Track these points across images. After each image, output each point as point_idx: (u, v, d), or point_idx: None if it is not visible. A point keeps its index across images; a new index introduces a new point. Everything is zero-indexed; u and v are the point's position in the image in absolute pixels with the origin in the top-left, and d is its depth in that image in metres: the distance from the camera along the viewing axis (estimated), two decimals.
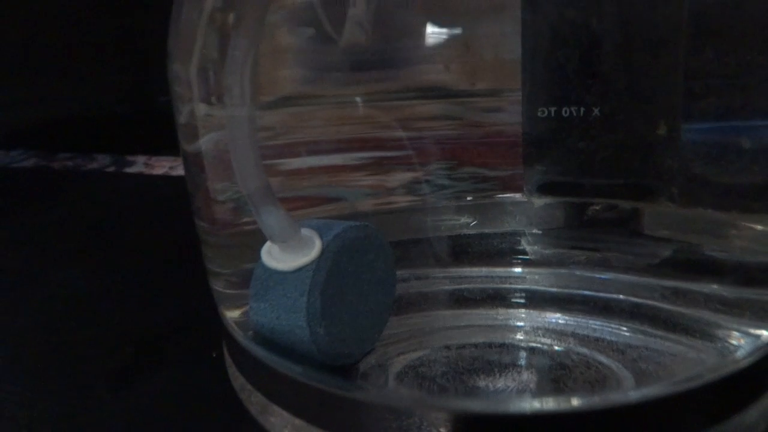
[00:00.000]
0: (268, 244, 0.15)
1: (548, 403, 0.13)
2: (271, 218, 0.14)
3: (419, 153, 0.18)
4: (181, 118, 0.17)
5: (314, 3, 0.16)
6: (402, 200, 0.18)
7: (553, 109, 0.16)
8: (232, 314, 0.17)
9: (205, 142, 0.17)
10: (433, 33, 0.16)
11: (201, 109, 0.17)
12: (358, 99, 0.17)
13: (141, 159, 0.45)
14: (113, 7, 0.45)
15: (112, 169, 0.44)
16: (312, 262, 0.14)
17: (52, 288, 0.27)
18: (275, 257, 0.14)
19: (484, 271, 0.19)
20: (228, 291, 0.18)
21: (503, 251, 0.19)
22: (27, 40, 0.49)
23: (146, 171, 0.43)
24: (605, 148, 0.17)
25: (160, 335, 0.22)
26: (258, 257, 0.15)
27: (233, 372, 0.17)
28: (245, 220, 0.18)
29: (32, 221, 0.35)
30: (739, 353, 0.15)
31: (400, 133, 0.17)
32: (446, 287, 0.18)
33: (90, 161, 0.47)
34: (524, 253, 0.19)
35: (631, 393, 0.13)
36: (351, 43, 0.16)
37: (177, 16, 0.16)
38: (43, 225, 0.35)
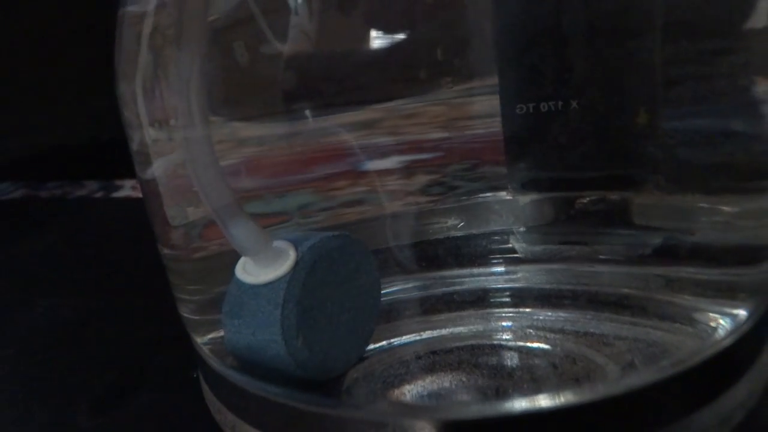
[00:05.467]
0: (242, 259, 0.14)
1: (532, 403, 0.12)
2: (241, 232, 0.13)
3: (447, 154, 0.18)
4: (133, 145, 0.17)
5: (255, 13, 0.15)
6: (405, 203, 0.18)
7: (531, 105, 0.16)
8: (201, 339, 0.17)
9: (156, 168, 0.17)
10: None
11: (150, 133, 0.16)
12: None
13: (129, 183, 0.45)
14: (93, 34, 0.45)
15: (100, 194, 0.44)
16: (286, 274, 0.13)
17: (36, 316, 0.26)
18: (249, 272, 0.14)
19: (474, 271, 0.18)
20: (195, 317, 0.18)
21: (492, 251, 0.18)
22: (9, 71, 0.49)
23: (134, 194, 0.43)
24: (587, 140, 0.17)
25: (145, 358, 0.22)
26: (221, 282, 0.14)
27: (208, 394, 0.17)
28: (202, 245, 0.18)
29: (19, 251, 0.35)
30: (720, 334, 0.14)
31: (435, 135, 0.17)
32: (434, 291, 0.18)
33: (78, 188, 0.46)
34: (513, 251, 0.18)
35: (616, 383, 0.13)
36: (295, 52, 0.16)
37: (119, 36, 0.16)
38: (30, 254, 0.34)
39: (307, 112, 0.17)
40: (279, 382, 0.14)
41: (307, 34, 0.15)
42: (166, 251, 0.18)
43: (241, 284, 0.14)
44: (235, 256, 0.14)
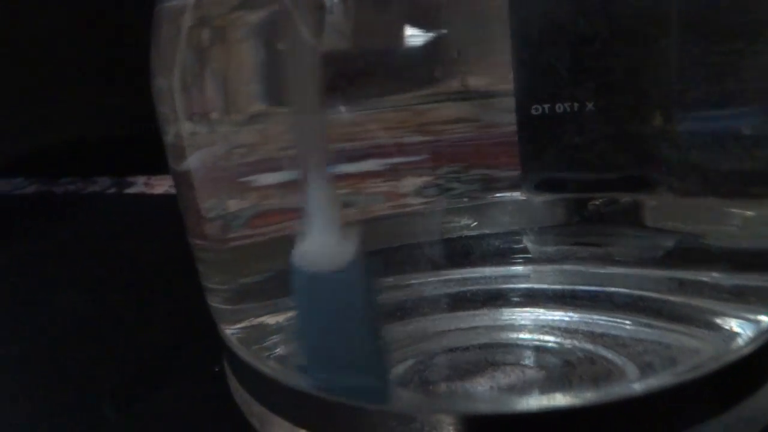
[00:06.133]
0: (300, 249, 0.14)
1: (552, 400, 0.12)
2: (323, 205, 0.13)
3: (433, 157, 0.18)
4: (168, 138, 0.17)
5: (292, 11, 0.15)
6: (409, 204, 0.18)
7: (546, 106, 0.16)
8: (231, 329, 0.17)
9: (192, 161, 0.17)
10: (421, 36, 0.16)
11: (186, 127, 0.16)
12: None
13: (141, 179, 0.45)
14: (107, 31, 0.45)
15: (113, 190, 0.45)
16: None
17: (54, 311, 0.27)
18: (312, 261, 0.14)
19: (486, 271, 0.18)
20: (225, 306, 0.18)
21: (505, 251, 0.18)
22: (22, 69, 0.49)
23: (147, 191, 0.43)
24: (601, 142, 0.17)
25: (163, 353, 0.22)
26: (254, 271, 0.14)
27: (234, 385, 0.17)
28: (237, 235, 0.18)
29: (34, 246, 0.35)
30: (742, 340, 0.14)
31: (416, 138, 0.17)
32: (449, 290, 0.18)
33: (91, 184, 0.47)
34: (526, 251, 0.18)
35: (636, 385, 0.13)
36: (331, 50, 0.16)
37: (157, 32, 0.16)
38: (45, 249, 0.35)
39: (342, 108, 0.17)
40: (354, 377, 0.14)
41: (342, 32, 0.15)
42: (198, 242, 0.18)
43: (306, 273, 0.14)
44: (267, 246, 0.14)
